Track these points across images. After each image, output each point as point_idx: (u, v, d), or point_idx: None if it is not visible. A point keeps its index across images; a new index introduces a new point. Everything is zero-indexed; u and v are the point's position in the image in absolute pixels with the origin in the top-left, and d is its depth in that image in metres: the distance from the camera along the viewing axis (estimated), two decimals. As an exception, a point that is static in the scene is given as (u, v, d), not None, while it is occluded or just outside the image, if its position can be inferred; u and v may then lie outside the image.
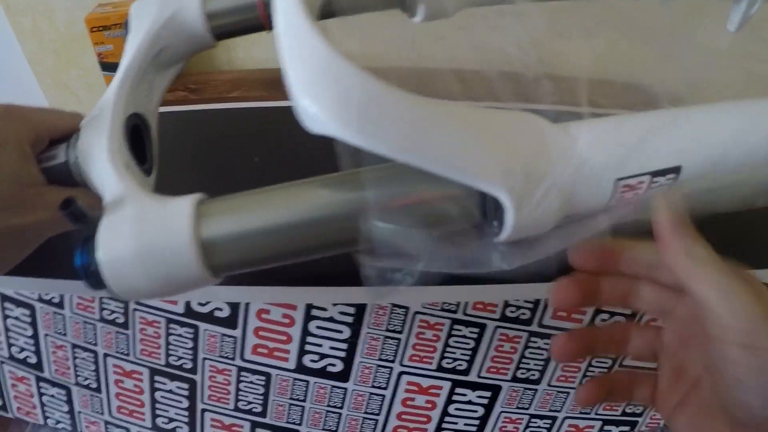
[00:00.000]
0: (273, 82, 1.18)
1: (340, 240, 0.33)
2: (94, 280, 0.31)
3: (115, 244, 0.31)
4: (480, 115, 0.30)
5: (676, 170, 0.32)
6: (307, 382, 0.60)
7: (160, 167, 0.45)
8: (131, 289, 0.32)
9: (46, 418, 0.66)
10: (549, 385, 0.63)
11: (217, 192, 0.47)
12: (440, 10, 0.45)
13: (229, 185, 0.55)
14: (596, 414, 0.67)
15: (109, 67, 1.15)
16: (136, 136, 0.41)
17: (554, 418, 0.66)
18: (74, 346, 0.59)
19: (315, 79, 0.29)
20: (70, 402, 0.64)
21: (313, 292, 0.55)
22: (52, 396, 0.64)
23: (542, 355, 0.61)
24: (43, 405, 0.65)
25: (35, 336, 0.60)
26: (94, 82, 1.25)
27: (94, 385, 0.62)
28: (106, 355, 0.59)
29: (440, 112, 0.29)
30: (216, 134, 0.53)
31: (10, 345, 0.61)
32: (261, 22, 0.46)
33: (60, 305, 0.57)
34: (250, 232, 0.32)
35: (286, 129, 0.70)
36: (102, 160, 0.36)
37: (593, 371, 0.64)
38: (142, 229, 0.31)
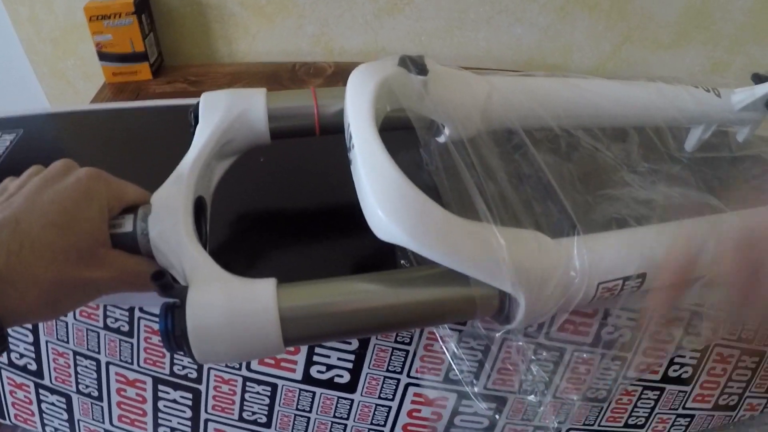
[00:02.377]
0: (274, 76, 1.17)
1: (389, 324, 0.42)
2: (176, 344, 0.36)
3: (204, 315, 0.36)
4: (504, 233, 0.40)
5: (642, 276, 0.44)
6: (314, 393, 0.59)
7: (164, 164, 0.48)
8: (211, 354, 0.37)
9: (44, 425, 0.64)
10: (554, 397, 0.62)
11: (228, 197, 0.53)
12: (459, 135, 0.52)
13: (236, 189, 0.54)
14: (599, 425, 0.67)
15: (107, 57, 1.12)
16: (196, 216, 0.46)
17: (558, 430, 0.66)
18: (76, 353, 0.58)
19: (391, 203, 0.39)
20: (70, 410, 0.62)
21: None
22: (52, 404, 0.62)
23: (548, 367, 0.60)
24: (41, 412, 0.63)
25: (36, 342, 0.58)
26: (91, 72, 1.23)
27: (96, 394, 0.60)
28: (108, 363, 0.58)
29: (480, 232, 0.40)
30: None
31: (9, 351, 0.59)
32: (314, 128, 0.53)
33: None
34: (317, 314, 0.39)
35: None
36: (182, 239, 0.41)
37: (598, 383, 0.63)
38: (232, 305, 0.37)
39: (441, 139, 0.53)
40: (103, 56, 1.12)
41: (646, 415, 0.68)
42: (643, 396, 0.66)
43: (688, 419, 0.70)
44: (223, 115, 0.50)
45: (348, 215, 0.47)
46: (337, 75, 1.16)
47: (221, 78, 1.16)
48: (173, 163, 0.47)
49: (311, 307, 0.39)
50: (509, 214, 0.44)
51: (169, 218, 0.42)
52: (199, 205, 0.46)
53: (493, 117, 0.53)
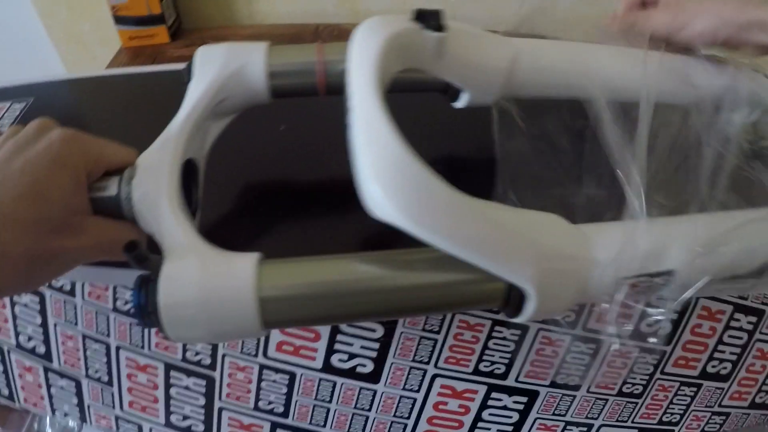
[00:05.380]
0: (296, 39, 1.14)
1: (380, 311, 0.38)
2: (149, 320, 0.34)
3: (177, 291, 0.34)
4: (516, 216, 0.37)
5: (670, 273, 0.39)
6: (334, 382, 0.57)
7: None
8: (185, 333, 0.35)
9: (54, 409, 0.64)
10: (588, 391, 0.61)
11: (226, 160, 0.51)
12: (479, 101, 0.50)
13: (235, 152, 0.54)
14: (633, 422, 0.65)
15: (123, 20, 1.10)
16: (186, 179, 0.43)
17: (590, 426, 0.64)
18: (85, 336, 0.56)
19: (387, 176, 0.34)
20: (79, 394, 0.61)
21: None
22: (61, 387, 0.61)
23: (584, 360, 0.58)
24: (51, 396, 0.62)
25: (44, 324, 0.57)
26: (108, 36, 1.21)
27: (106, 378, 0.59)
28: (119, 348, 0.56)
29: (487, 213, 0.36)
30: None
31: (17, 333, 0.58)
32: (317, 87, 0.49)
33: (71, 293, 0.54)
34: (301, 296, 0.36)
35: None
36: (163, 206, 0.39)
37: (635, 377, 0.61)
38: (207, 282, 0.34)
39: (458, 105, 0.51)
40: (119, 20, 1.09)
41: (681, 412, 0.65)
42: (679, 392, 0.64)
43: (723, 417, 0.68)
44: (219, 70, 0.47)
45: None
46: (363, 38, 1.11)
47: (241, 40, 1.12)
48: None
49: (294, 286, 0.36)
50: (528, 193, 0.41)
51: (153, 181, 0.40)
52: (188, 168, 0.44)
53: (519, 83, 0.50)
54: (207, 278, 0.34)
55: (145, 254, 0.35)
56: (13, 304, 0.56)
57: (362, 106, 0.38)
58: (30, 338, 0.58)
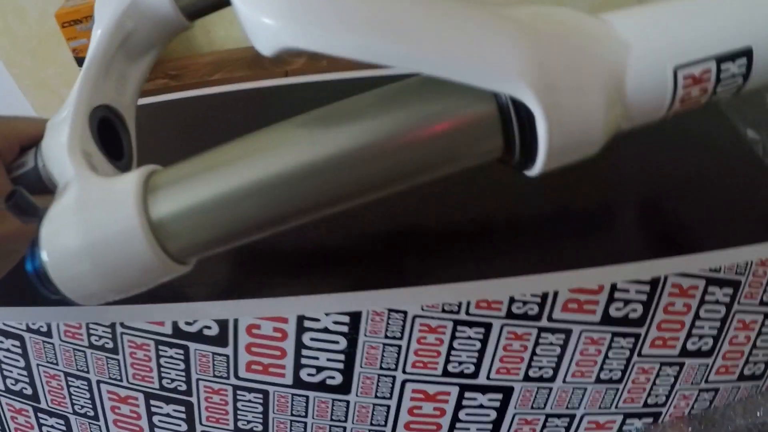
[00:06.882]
0: (256, 61, 1.21)
1: (327, 198, 0.28)
2: (48, 285, 0.29)
3: (58, 239, 0.28)
4: (492, 9, 0.26)
5: (746, 53, 0.28)
6: (307, 397, 0.62)
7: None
8: (85, 291, 0.29)
9: None
10: (564, 381, 0.65)
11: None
12: None
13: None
14: (616, 408, 0.68)
15: (86, 62, 1.17)
16: (109, 130, 0.40)
17: (572, 416, 0.68)
18: (67, 374, 0.62)
19: None
20: None
21: (302, 301, 0.57)
22: (52, 426, 0.67)
23: (555, 351, 0.62)
24: None
25: (28, 367, 0.62)
26: (73, 78, 1.27)
27: (92, 413, 0.64)
28: (99, 382, 0.62)
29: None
30: (200, 122, 0.54)
31: (4, 377, 0.64)
32: None
33: (48, 334, 0.60)
34: (211, 199, 0.27)
35: (272, 111, 0.71)
36: (61, 153, 0.35)
37: (611, 363, 0.65)
38: (85, 217, 0.28)
39: None
40: (81, 61, 1.16)
41: (667, 392, 0.69)
42: (661, 373, 0.67)
43: (712, 393, 0.71)
44: (115, 6, 0.43)
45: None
46: (323, 51, 1.19)
47: (202, 68, 1.20)
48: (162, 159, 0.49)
49: (198, 191, 0.27)
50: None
51: (55, 133, 0.37)
52: (107, 117, 0.41)
53: None
54: (85, 214, 0.29)
55: (26, 202, 0.29)
56: (-4, 350, 0.61)
57: None
58: (17, 381, 0.64)
